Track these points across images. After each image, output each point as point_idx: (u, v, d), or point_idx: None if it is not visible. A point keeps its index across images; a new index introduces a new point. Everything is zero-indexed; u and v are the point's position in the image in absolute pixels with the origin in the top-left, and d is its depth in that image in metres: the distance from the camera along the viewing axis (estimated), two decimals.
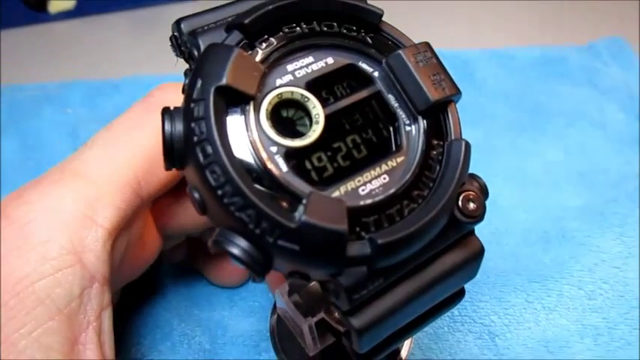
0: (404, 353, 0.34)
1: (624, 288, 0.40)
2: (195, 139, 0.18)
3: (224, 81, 0.18)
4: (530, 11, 0.69)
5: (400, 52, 0.21)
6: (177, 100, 0.26)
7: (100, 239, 0.25)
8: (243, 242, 0.18)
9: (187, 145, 0.19)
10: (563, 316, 0.38)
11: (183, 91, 0.20)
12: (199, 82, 0.19)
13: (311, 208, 0.18)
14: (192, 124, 0.18)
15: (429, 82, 0.21)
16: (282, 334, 0.34)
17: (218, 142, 0.18)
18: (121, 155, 0.27)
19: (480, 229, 0.44)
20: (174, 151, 0.19)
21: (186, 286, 0.39)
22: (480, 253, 0.23)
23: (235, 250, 0.18)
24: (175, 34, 0.23)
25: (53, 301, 0.23)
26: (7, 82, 0.63)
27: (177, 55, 0.24)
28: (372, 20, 0.23)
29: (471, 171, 0.22)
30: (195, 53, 0.21)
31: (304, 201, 0.18)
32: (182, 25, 0.22)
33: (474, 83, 0.56)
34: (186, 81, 0.20)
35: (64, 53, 0.70)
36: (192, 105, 0.19)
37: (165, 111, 0.19)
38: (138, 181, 0.27)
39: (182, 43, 0.23)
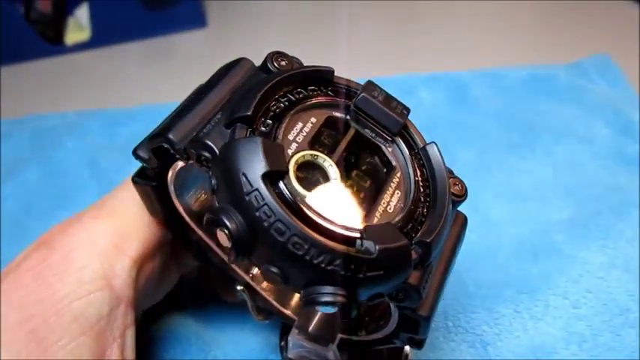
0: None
1: (607, 297, 0.43)
2: (266, 224, 0.20)
3: (266, 168, 0.21)
4: (521, 32, 0.72)
5: (363, 94, 0.26)
6: None
7: (127, 267, 0.29)
8: (331, 289, 0.21)
9: (258, 232, 0.21)
10: (550, 325, 0.41)
11: (214, 192, 0.22)
12: (243, 178, 0.21)
13: (377, 238, 0.22)
14: (257, 213, 0.21)
15: (392, 110, 0.26)
16: None
17: (289, 218, 0.21)
18: None
19: (475, 244, 0.48)
20: (244, 243, 0.21)
21: (202, 305, 0.43)
22: (465, 221, 0.29)
23: (329, 298, 0.21)
24: (165, 145, 0.24)
25: (86, 319, 0.27)
26: (29, 111, 0.67)
27: (179, 160, 0.25)
28: (328, 77, 0.26)
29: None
30: (207, 154, 0.23)
31: (365, 235, 0.22)
32: (172, 137, 0.24)
33: (467, 103, 0.59)
34: (214, 181, 0.22)
35: (81, 83, 0.74)
36: (247, 198, 0.21)
37: (222, 213, 0.21)
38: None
39: (180, 151, 0.24)
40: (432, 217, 0.24)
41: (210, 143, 0.23)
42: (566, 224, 0.48)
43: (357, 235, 0.22)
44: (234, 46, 0.81)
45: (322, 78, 0.26)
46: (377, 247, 0.21)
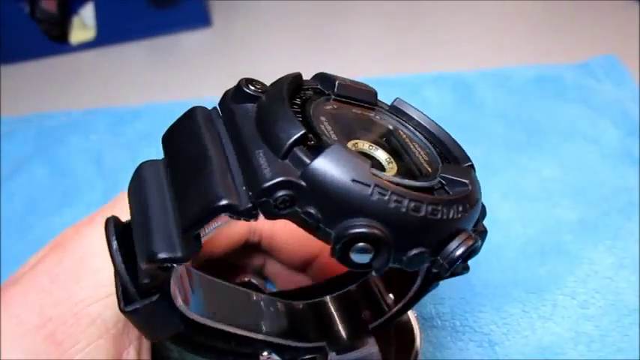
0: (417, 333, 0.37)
1: (615, 297, 0.43)
2: (403, 209, 0.20)
3: (366, 163, 0.20)
4: (527, 31, 0.72)
5: (337, 82, 0.27)
6: None
7: None
8: (460, 238, 0.21)
9: (397, 222, 0.20)
10: (558, 325, 0.41)
11: (318, 223, 0.20)
12: (355, 183, 0.20)
13: (455, 175, 0.23)
14: (389, 205, 0.20)
15: (360, 85, 0.27)
16: None
17: (416, 193, 0.20)
18: None
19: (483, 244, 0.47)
20: (387, 244, 0.20)
21: None
22: None
23: (466, 246, 0.21)
24: (227, 214, 0.21)
25: (103, 322, 0.27)
26: (35, 110, 0.68)
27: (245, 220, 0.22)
28: (302, 81, 0.26)
29: None
30: (289, 192, 0.21)
31: (445, 181, 0.23)
32: (230, 202, 0.21)
33: (473, 103, 0.59)
34: (313, 211, 0.20)
35: (86, 81, 0.74)
36: (372, 197, 0.20)
37: (353, 229, 0.20)
38: None
39: (248, 210, 0.21)
40: (449, 148, 0.26)
41: (288, 179, 0.20)
42: (574, 224, 0.48)
43: (440, 185, 0.23)
44: (239, 46, 0.81)
45: (299, 83, 0.26)
46: (467, 182, 0.22)
